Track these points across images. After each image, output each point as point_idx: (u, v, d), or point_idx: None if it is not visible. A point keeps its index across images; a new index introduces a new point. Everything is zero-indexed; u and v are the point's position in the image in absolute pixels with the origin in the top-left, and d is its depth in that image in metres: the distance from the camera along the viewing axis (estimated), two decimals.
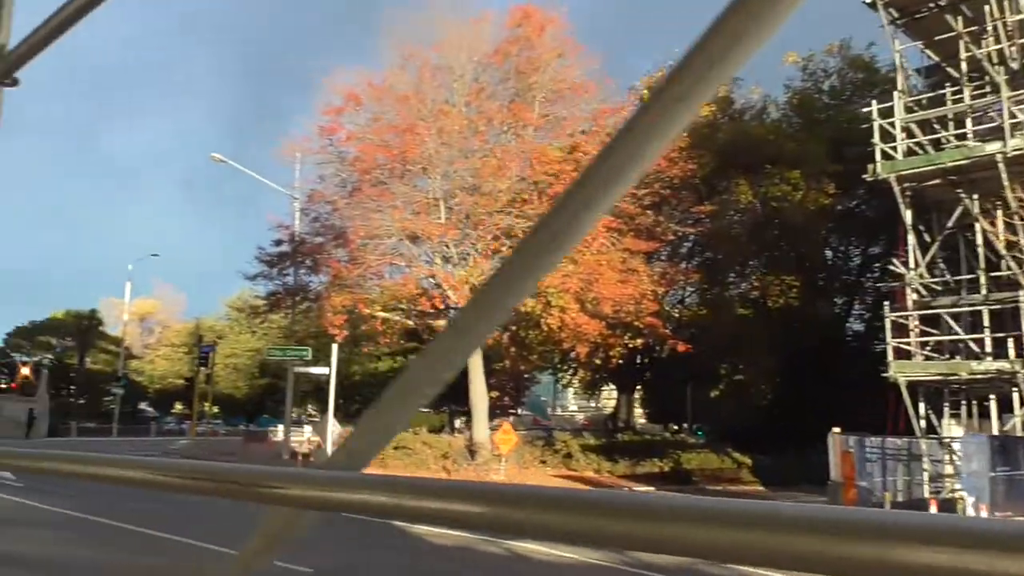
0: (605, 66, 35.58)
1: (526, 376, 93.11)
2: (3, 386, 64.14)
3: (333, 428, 27.16)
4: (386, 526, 14.15)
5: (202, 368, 40.11)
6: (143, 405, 77.45)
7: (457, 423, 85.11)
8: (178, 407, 77.55)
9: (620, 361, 34.93)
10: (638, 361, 42.93)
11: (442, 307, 30.32)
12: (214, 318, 74.57)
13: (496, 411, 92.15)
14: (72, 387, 59.21)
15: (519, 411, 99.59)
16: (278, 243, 33.04)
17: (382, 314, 32.94)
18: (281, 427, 58.22)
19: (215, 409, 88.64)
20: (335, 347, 28.80)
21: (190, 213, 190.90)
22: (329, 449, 27.43)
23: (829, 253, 41.48)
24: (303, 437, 37.18)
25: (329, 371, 35.22)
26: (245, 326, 72.25)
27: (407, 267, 31.50)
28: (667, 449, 31.19)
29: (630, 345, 35.14)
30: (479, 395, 31.89)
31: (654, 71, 41.34)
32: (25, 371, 47.97)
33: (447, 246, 28.65)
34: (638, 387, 46.75)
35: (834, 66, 38.10)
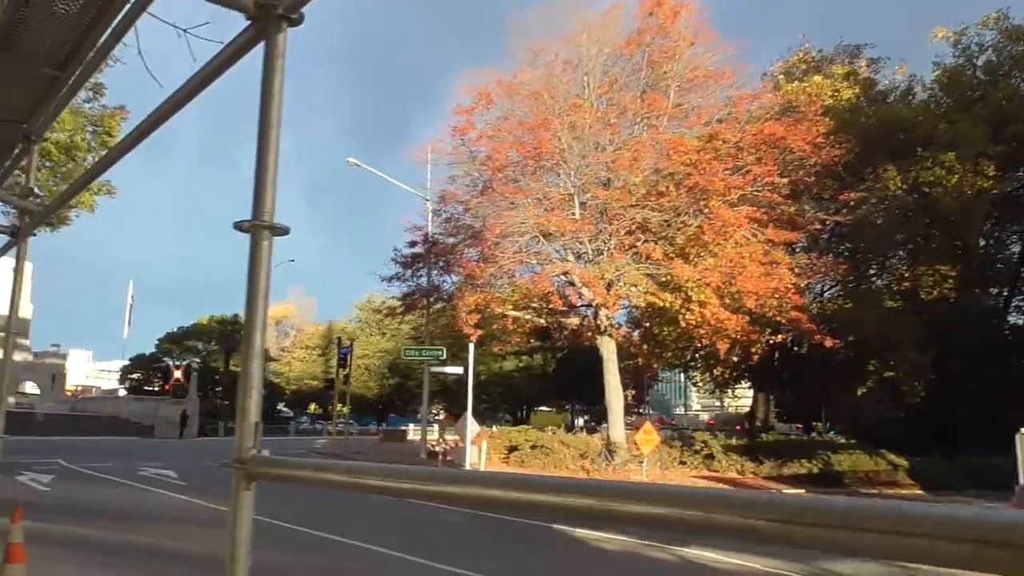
0: (739, 52, 34.17)
1: (649, 375, 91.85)
2: (156, 388, 68.25)
3: (472, 428, 27.16)
4: (545, 529, 13.84)
5: (340, 368, 41.08)
6: (280, 406, 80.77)
7: (579, 421, 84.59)
8: (312, 407, 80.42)
9: (759, 357, 33.62)
10: (775, 358, 41.35)
11: (577, 304, 29.93)
12: (345, 320, 76.93)
13: (598, 412, 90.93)
14: (217, 389, 62.11)
15: (642, 410, 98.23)
16: (412, 244, 33.47)
17: (513, 313, 32.80)
18: (412, 426, 59.53)
19: (346, 409, 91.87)
20: (471, 346, 28.80)
21: (316, 220, 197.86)
22: (469, 449, 27.47)
23: (984, 241, 38.64)
24: (434, 436, 37.59)
25: (463, 370, 35.53)
26: (375, 328, 74.21)
27: (539, 265, 31.26)
28: (814, 449, 29.65)
29: (771, 341, 33.80)
30: (615, 394, 31.29)
31: (787, 56, 39.78)
32: (178, 374, 50.66)
33: (581, 242, 28.21)
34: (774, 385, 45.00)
35: (990, 40, 35.48)
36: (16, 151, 5.25)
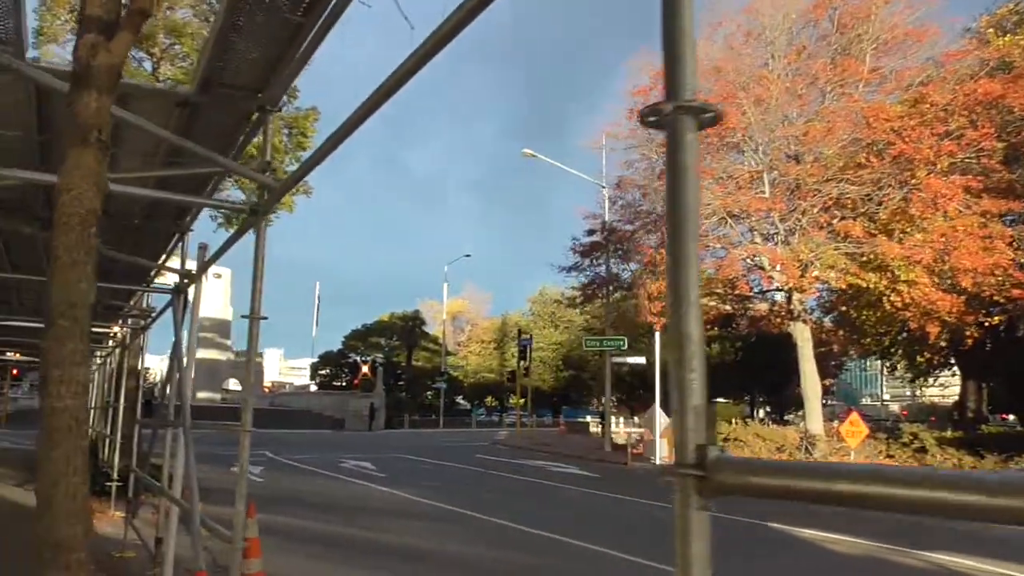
0: (941, 6, 31.03)
1: (834, 364, 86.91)
2: (343, 384, 71.65)
3: (662, 420, 26.26)
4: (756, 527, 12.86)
5: (521, 361, 41.21)
6: (458, 399, 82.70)
7: (759, 413, 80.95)
8: (488, 400, 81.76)
9: (972, 341, 30.55)
10: (987, 343, 37.57)
11: (770, 286, 28.33)
12: (518, 314, 77.63)
13: (779, 402, 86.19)
14: (399, 383, 64.26)
15: (827, 401, 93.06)
16: (590, 233, 32.93)
17: None
18: (589, 418, 59.15)
19: (521, 401, 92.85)
20: (658, 335, 27.87)
21: (485, 217, 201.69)
22: (658, 442, 26.61)
23: None
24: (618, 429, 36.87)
25: (644, 360, 34.69)
26: (548, 321, 74.37)
27: (722, 249, 29.86)
28: None
29: (986, 324, 30.65)
30: (811, 383, 29.44)
31: (993, 9, 35.93)
32: (365, 369, 52.82)
33: (771, 222, 26.63)
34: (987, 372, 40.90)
35: None
36: (251, 122, 5.11)
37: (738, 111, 25.68)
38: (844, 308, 31.73)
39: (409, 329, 63.60)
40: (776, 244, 27.22)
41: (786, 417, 70.69)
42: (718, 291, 32.11)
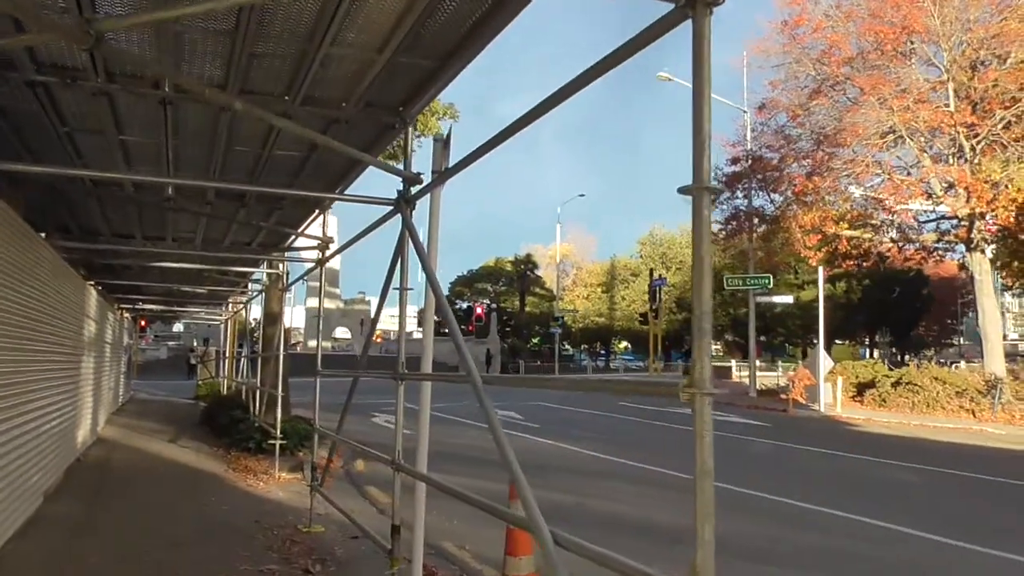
0: None
1: (962, 302, 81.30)
2: (446, 331, 70.44)
3: (825, 363, 23.78)
4: None
5: (651, 303, 38.95)
6: (564, 344, 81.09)
7: (875, 354, 76.46)
8: (595, 345, 79.87)
9: None
10: None
11: (955, 215, 25.19)
12: (627, 256, 75.04)
13: (926, 341, 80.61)
14: (508, 328, 62.88)
15: (954, 340, 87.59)
16: (734, 161, 30.16)
17: (849, 232, 28.60)
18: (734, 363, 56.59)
19: (622, 346, 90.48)
20: (821, 271, 25.24)
21: (583, 161, 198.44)
22: (822, 386, 24.16)
23: None
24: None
25: (792, 300, 32.04)
26: (658, 262, 71.63)
27: (884, 175, 26.80)
28: None
29: None
30: (991, 320, 26.35)
31: None
32: (479, 311, 51.37)
33: (954, 140, 23.41)
34: None
35: None
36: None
37: (923, 11, 22.40)
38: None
39: (521, 274, 61.86)
40: (956, 164, 24.02)
41: (909, 360, 66.48)
42: (873, 222, 29.12)
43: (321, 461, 9.05)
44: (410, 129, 5.42)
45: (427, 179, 5.19)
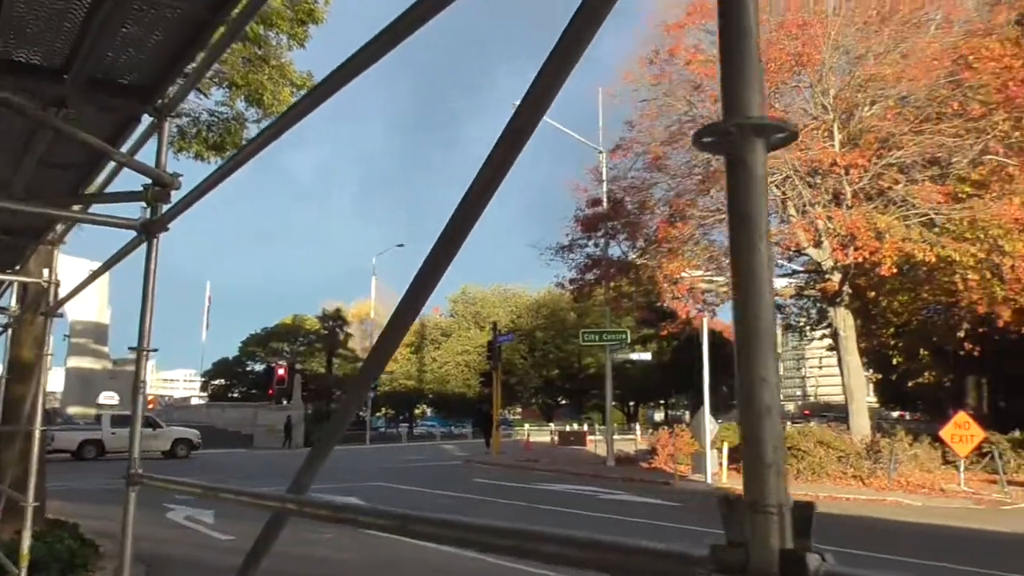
0: None
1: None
2: (237, 395, 63.08)
3: (711, 427, 20.95)
4: None
5: (491, 362, 35.10)
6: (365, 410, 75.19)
7: (657, 416, 77.33)
8: (386, 410, 74.89)
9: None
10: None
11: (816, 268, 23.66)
12: (438, 315, 71.18)
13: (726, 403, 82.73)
14: (311, 392, 56.65)
15: (735, 402, 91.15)
16: (594, 203, 27.36)
17: (703, 283, 26.63)
18: (520, 428, 53.50)
19: (425, 411, 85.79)
20: (704, 323, 22.68)
21: (378, 218, 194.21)
22: (709, 454, 21.30)
23: None
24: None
25: (650, 357, 29.68)
26: (471, 321, 68.46)
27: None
28: None
29: None
30: (856, 377, 25.25)
31: None
32: (281, 372, 44.97)
33: (839, 182, 21.83)
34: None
35: None
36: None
37: (814, 47, 20.77)
38: (873, 293, 27.33)
39: (330, 330, 56.05)
40: (825, 210, 22.54)
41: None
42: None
43: None
44: (166, 125, 3.74)
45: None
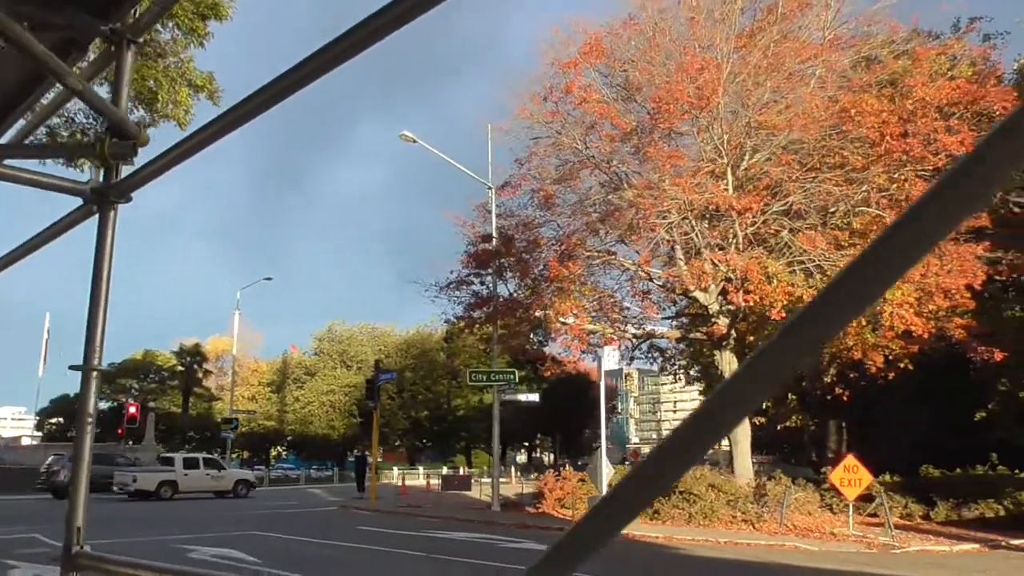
0: None
1: (609, 406, 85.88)
2: (70, 435, 57.57)
3: (607, 470, 20.39)
4: None
5: (370, 401, 33.36)
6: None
7: (520, 457, 76.83)
8: (274, 452, 70.91)
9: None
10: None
11: (702, 311, 23.85)
12: (301, 353, 68.36)
13: (577, 447, 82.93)
14: (164, 432, 52.63)
15: (597, 444, 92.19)
16: (485, 239, 26.63)
17: (589, 326, 26.37)
18: (397, 470, 51.49)
19: (282, 453, 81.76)
20: (602, 366, 22.21)
21: (221, 257, 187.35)
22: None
23: None
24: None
25: (538, 398, 29.04)
26: (337, 360, 66.09)
27: (637, 266, 25.21)
28: (1000, 486, 23.97)
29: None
30: (742, 425, 25.23)
31: None
32: (132, 410, 41.16)
33: (734, 224, 22.08)
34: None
35: None
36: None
37: (711, 90, 21.01)
38: (752, 337, 27.91)
39: (187, 367, 52.32)
40: (728, 252, 22.78)
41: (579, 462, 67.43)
42: (617, 315, 27.29)
43: None
44: (128, 55, 2.51)
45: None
